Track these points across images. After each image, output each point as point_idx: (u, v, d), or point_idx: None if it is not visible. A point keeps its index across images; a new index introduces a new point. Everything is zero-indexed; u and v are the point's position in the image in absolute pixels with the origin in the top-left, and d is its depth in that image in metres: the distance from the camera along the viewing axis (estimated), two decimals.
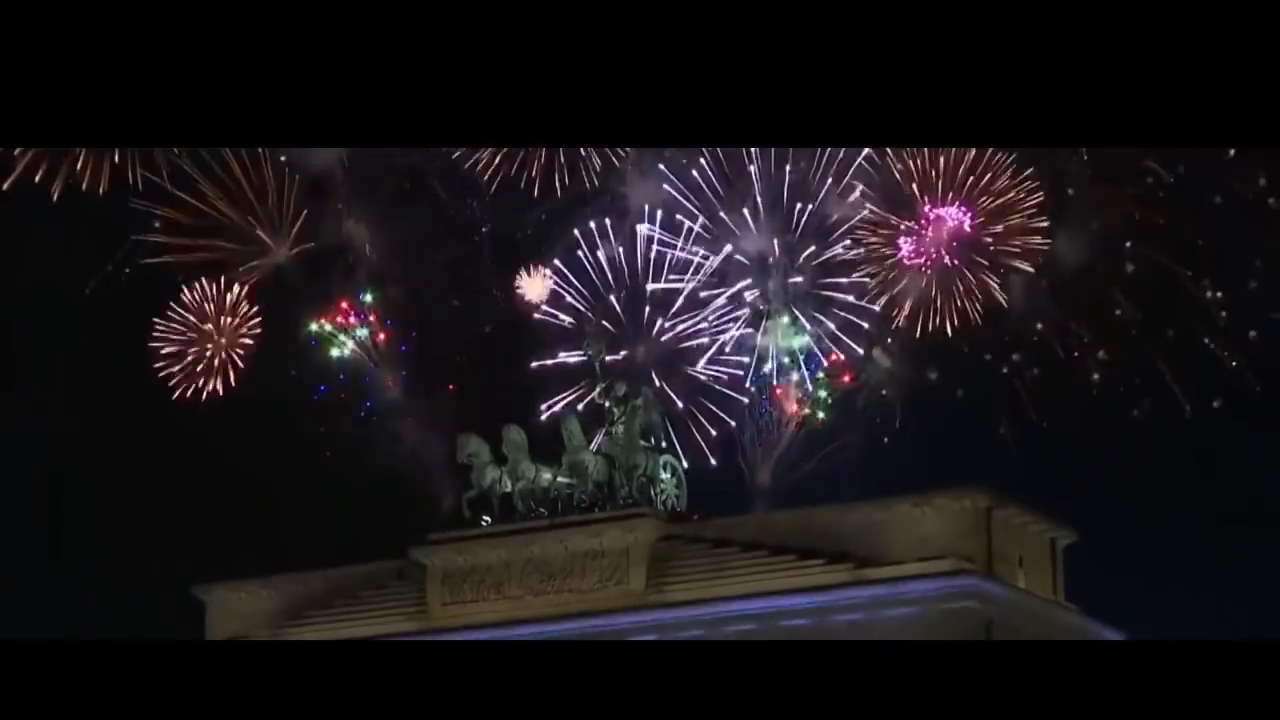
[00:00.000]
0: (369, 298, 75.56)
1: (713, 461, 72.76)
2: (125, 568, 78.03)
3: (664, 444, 68.63)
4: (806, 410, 73.58)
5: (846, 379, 73.54)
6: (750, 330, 73.50)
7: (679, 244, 74.18)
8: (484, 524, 68.05)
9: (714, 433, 73.01)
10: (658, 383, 72.82)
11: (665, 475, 67.56)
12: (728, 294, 73.91)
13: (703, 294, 74.18)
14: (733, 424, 73.43)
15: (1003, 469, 67.89)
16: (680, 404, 73.15)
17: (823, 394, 73.64)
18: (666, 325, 74.16)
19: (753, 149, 73.16)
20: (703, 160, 73.94)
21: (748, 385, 73.48)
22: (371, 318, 75.52)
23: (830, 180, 72.58)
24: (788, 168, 72.94)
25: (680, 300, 74.26)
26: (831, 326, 73.01)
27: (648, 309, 74.56)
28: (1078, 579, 65.55)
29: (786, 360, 73.26)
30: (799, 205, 73.07)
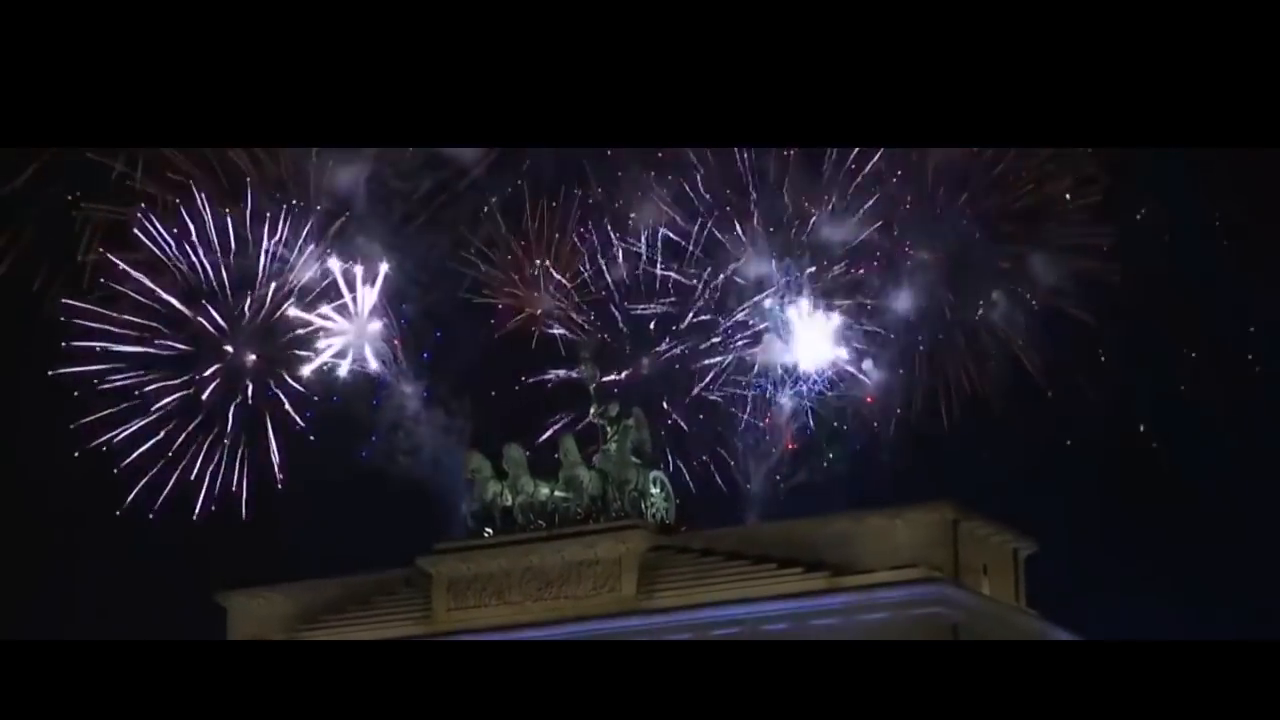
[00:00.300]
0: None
1: (718, 479, 72.75)
2: (154, 575, 78.11)
3: (654, 460, 68.75)
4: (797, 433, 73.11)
5: (869, 400, 73.08)
6: (753, 350, 73.15)
7: (679, 265, 73.96)
8: (486, 535, 68.19)
9: (713, 446, 72.92)
10: (664, 403, 72.78)
11: (655, 490, 67.68)
12: (731, 316, 73.58)
13: (701, 318, 74.03)
14: (732, 441, 73.20)
15: (973, 483, 68.11)
16: (680, 421, 73.12)
17: (834, 423, 73.04)
18: (667, 345, 73.96)
19: (753, 169, 72.83)
20: (701, 184, 73.77)
21: (746, 405, 73.19)
22: (386, 321, 73.96)
23: (832, 197, 72.37)
24: (785, 187, 72.59)
25: (686, 320, 74.07)
26: (833, 350, 72.61)
27: (652, 326, 74.43)
28: (1038, 586, 65.93)
29: (782, 374, 72.76)
30: (796, 224, 72.76)
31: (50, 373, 71.49)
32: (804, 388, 72.46)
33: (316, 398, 72.20)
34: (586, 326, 74.02)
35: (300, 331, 72.25)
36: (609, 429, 68.28)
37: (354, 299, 72.24)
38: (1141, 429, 71.39)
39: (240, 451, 71.27)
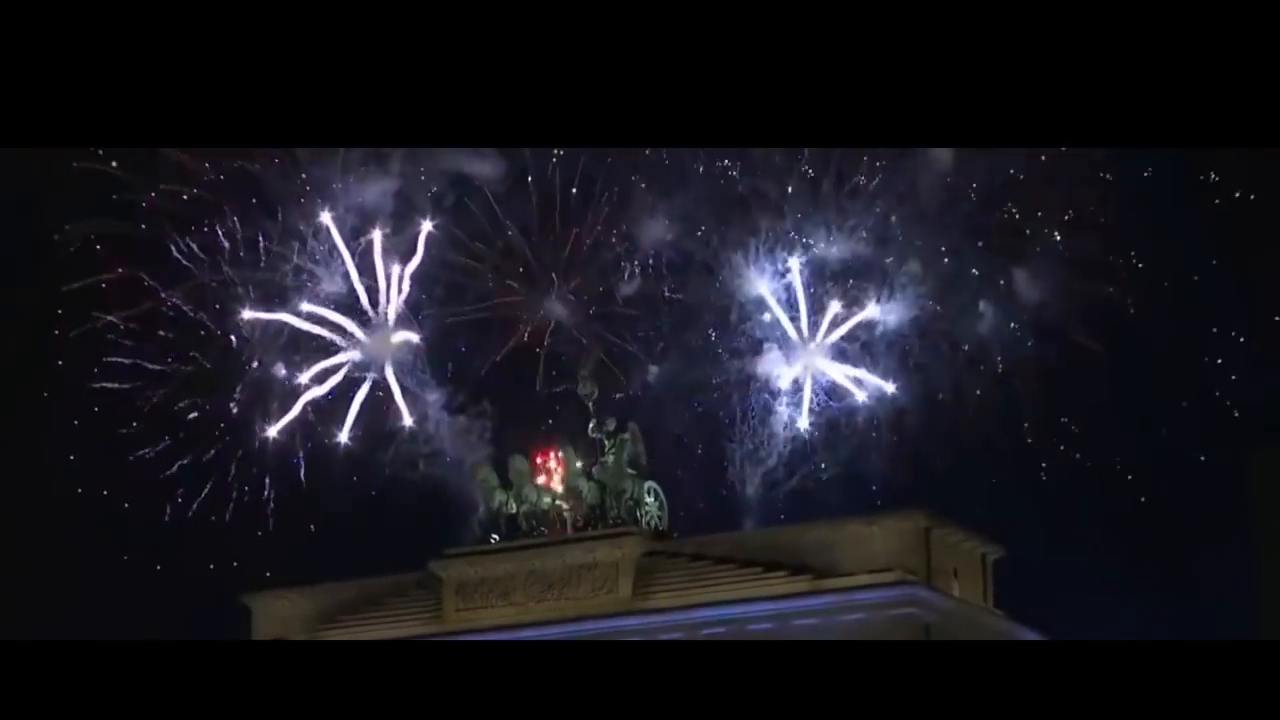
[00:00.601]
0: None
1: (719, 486, 72.31)
2: (186, 578, 77.84)
3: (648, 471, 68.53)
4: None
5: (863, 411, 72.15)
6: (753, 363, 72.52)
7: (683, 282, 73.38)
8: (493, 541, 68.09)
9: (713, 454, 72.39)
10: (668, 414, 72.29)
11: (649, 499, 67.60)
12: (733, 331, 72.74)
13: (705, 333, 73.39)
14: (731, 450, 72.63)
15: (943, 494, 68.01)
16: (682, 431, 72.56)
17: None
18: (672, 359, 73.45)
19: (754, 189, 72.37)
20: (705, 205, 73.26)
21: (746, 415, 72.58)
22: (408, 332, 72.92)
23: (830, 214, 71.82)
24: (786, 207, 72.00)
25: (689, 335, 73.41)
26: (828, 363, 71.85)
27: (661, 348, 73.80)
28: (1005, 589, 65.91)
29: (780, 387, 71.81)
30: (796, 242, 72.05)
31: (93, 385, 71.03)
32: (801, 399, 71.99)
33: (342, 411, 71.48)
34: (586, 344, 73.51)
35: (326, 344, 71.58)
36: (607, 442, 68.28)
37: (377, 312, 71.64)
38: (1117, 458, 71.06)
39: (267, 462, 70.80)
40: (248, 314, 70.45)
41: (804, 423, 70.32)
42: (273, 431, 70.39)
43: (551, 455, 69.14)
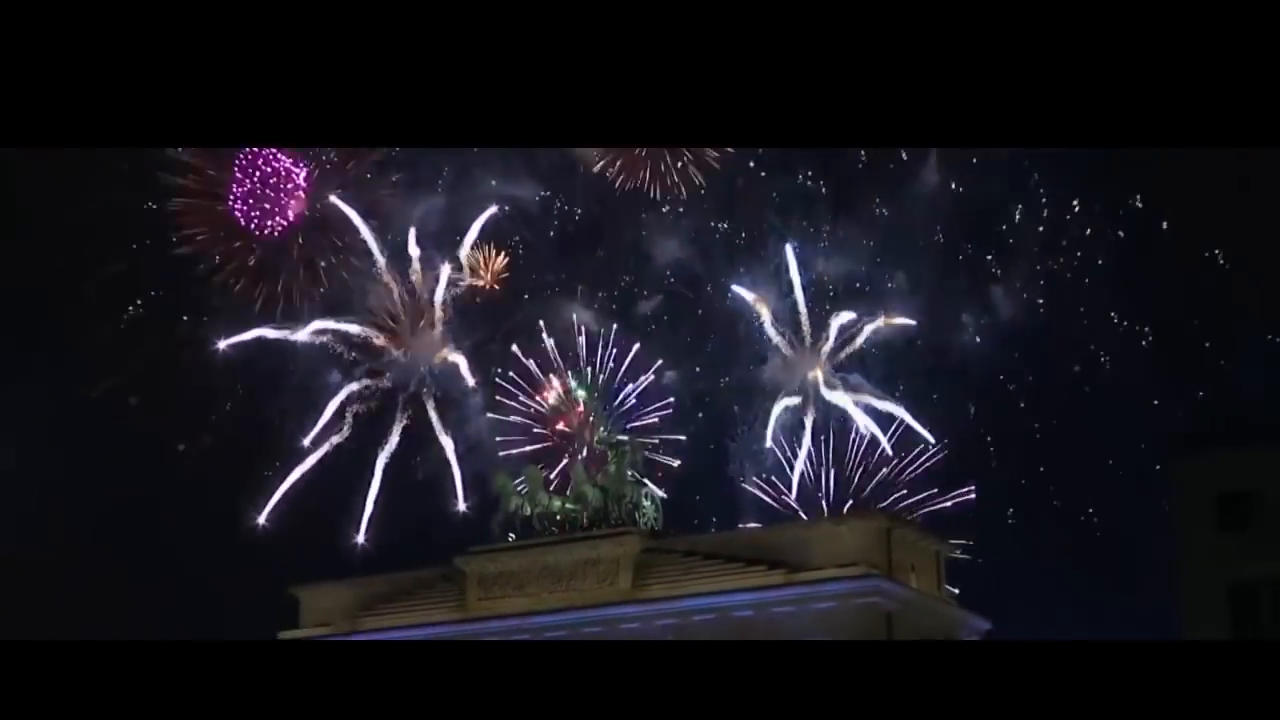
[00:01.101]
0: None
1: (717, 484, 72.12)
2: (238, 571, 77.90)
3: (645, 479, 68.68)
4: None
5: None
6: (756, 370, 72.23)
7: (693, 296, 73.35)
8: (510, 539, 68.25)
9: (713, 454, 72.51)
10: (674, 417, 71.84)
11: (647, 503, 67.89)
12: (738, 341, 72.57)
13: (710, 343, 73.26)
14: (732, 450, 72.46)
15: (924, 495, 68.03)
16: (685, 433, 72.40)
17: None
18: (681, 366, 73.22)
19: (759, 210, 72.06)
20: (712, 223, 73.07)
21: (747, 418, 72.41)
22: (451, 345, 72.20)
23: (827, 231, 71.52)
24: (790, 243, 71.37)
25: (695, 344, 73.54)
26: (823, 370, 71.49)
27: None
28: (956, 581, 65.89)
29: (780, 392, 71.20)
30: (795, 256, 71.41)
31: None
32: (800, 403, 71.63)
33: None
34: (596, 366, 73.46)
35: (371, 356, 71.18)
36: (610, 453, 68.50)
37: (424, 321, 71.00)
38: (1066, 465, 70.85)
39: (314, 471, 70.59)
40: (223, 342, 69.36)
41: (807, 432, 70.48)
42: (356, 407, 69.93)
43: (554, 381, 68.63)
